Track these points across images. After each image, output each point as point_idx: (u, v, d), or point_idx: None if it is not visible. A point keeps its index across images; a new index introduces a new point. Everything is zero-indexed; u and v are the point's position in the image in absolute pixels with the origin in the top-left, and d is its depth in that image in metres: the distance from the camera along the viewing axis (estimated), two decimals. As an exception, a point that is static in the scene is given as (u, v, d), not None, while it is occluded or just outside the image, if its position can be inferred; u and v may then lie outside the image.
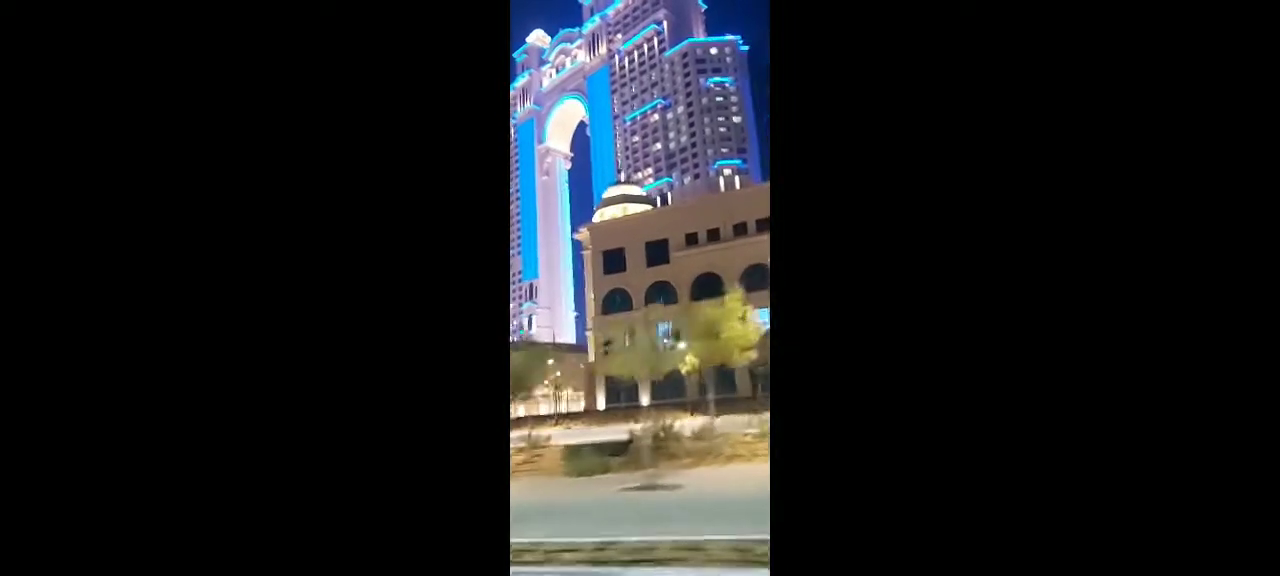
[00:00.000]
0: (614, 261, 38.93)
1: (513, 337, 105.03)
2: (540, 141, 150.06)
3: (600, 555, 7.44)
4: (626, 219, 42.62)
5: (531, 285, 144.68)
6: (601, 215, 47.36)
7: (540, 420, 35.35)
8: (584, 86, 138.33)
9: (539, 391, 49.90)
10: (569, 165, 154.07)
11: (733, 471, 14.76)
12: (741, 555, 6.62)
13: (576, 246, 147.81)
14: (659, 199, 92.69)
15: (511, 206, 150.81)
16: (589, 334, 47.86)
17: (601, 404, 37.62)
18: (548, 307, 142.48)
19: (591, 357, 40.35)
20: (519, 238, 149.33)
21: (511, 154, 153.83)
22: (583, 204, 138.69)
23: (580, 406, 47.75)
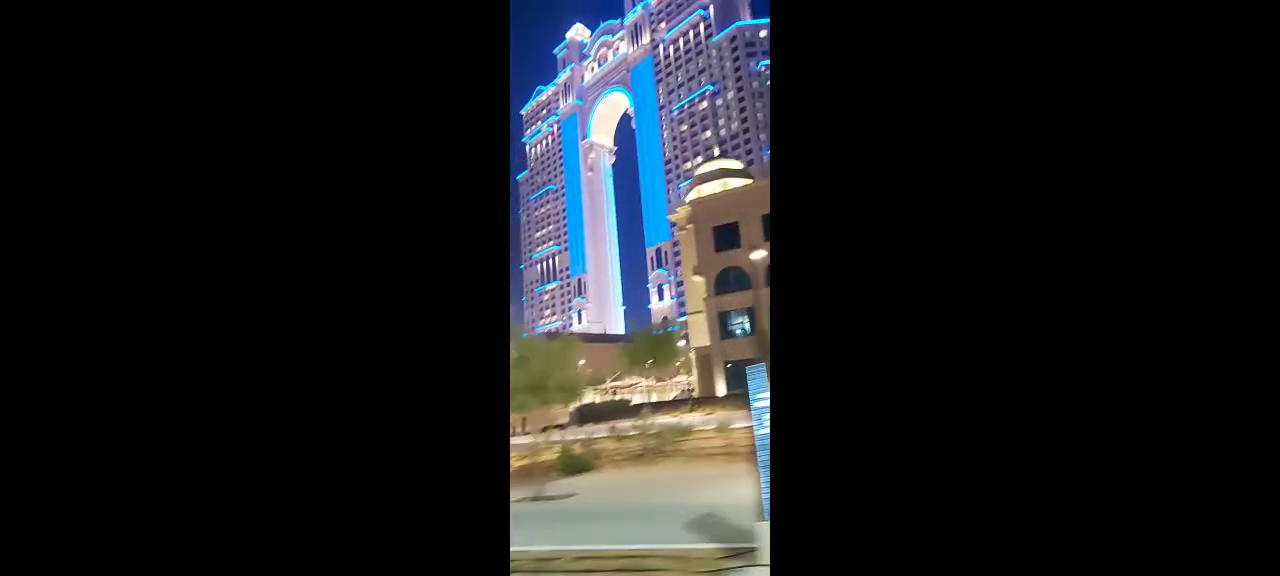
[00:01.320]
0: (726, 237, 36.98)
1: (558, 331, 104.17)
2: (584, 136, 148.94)
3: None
4: (740, 190, 40.37)
5: (579, 280, 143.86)
6: (699, 191, 45.33)
7: (673, 405, 33.72)
8: (628, 78, 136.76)
9: (627, 379, 48.45)
10: (613, 159, 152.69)
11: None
12: None
13: (624, 240, 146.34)
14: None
15: (557, 203, 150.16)
16: (690, 316, 46.14)
17: (721, 389, 35.76)
18: (596, 303, 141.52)
19: (705, 341, 38.49)
20: (565, 233, 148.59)
21: (555, 151, 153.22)
22: (629, 196, 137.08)
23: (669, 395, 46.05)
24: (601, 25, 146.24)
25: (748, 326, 36.61)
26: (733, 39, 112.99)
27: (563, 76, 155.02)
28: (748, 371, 6.09)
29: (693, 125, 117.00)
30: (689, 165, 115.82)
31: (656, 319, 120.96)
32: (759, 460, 5.85)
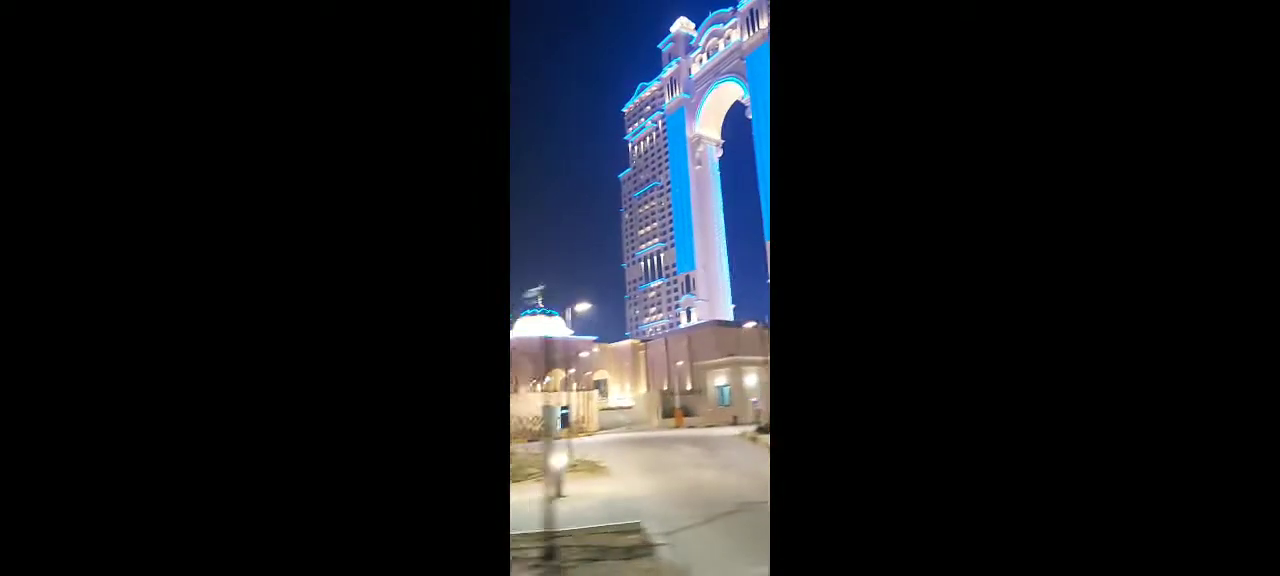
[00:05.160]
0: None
1: (671, 329, 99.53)
2: (693, 129, 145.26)
3: None
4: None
5: (688, 277, 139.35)
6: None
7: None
8: (742, 67, 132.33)
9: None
10: (721, 152, 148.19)
11: None
12: None
13: (732, 234, 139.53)
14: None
15: (662, 200, 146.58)
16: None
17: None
18: (706, 299, 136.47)
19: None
20: (671, 230, 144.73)
21: (660, 147, 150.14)
22: (742, 188, 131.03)
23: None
24: (710, 15, 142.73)
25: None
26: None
27: (668, 71, 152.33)
28: None
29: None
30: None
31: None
32: None
